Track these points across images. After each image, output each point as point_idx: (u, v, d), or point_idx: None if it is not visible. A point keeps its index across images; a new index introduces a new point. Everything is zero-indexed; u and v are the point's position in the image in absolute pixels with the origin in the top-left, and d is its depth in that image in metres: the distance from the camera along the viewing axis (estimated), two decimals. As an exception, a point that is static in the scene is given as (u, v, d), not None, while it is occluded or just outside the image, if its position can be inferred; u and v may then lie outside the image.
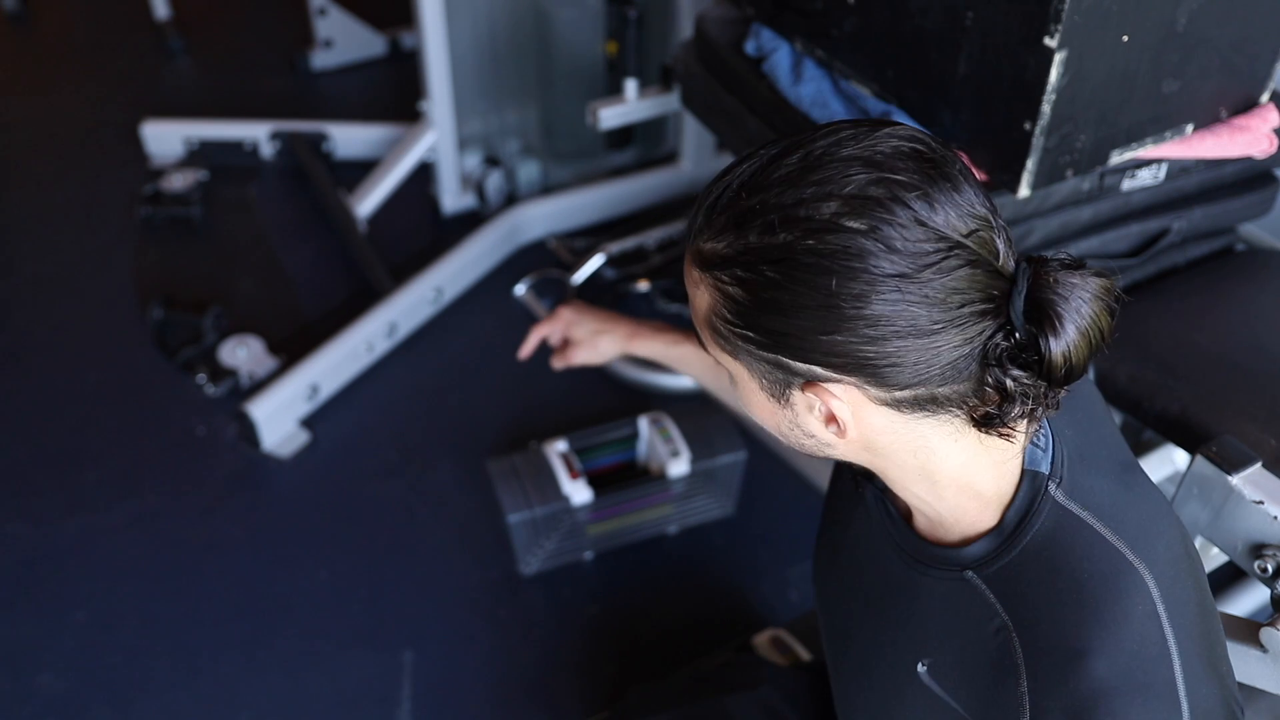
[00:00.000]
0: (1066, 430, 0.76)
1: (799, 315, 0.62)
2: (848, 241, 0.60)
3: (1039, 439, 0.73)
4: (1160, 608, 0.67)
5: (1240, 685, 1.00)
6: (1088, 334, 0.63)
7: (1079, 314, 0.62)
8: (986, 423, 0.66)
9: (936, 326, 0.61)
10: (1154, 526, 0.72)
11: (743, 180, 0.65)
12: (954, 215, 0.61)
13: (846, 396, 0.65)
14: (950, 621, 0.74)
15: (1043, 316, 0.62)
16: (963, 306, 0.61)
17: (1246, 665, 0.98)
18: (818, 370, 0.65)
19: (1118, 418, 1.67)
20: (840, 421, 0.67)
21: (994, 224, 0.63)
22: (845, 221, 0.60)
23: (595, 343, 1.22)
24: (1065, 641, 0.66)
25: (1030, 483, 0.72)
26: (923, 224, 0.60)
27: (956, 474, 0.70)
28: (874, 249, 0.60)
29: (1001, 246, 0.64)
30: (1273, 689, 0.98)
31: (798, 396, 0.68)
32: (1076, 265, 0.63)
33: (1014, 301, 0.62)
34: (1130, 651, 0.65)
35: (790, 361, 0.65)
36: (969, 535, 0.73)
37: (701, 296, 0.68)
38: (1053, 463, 0.72)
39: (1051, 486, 0.71)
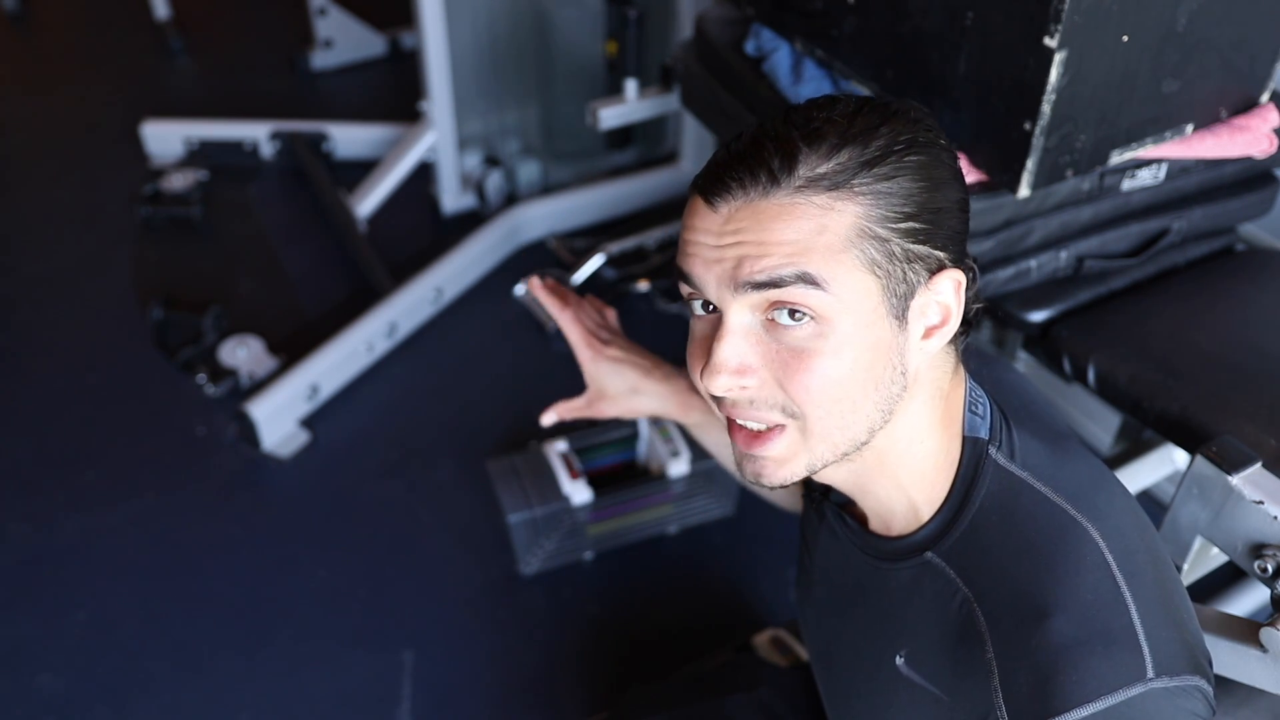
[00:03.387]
0: (1000, 400, 0.79)
1: (945, 189, 0.69)
2: (929, 119, 0.71)
3: (977, 407, 0.77)
4: (1108, 557, 0.69)
5: (1240, 685, 1.01)
6: None
7: None
8: (968, 318, 0.74)
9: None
10: (1090, 484, 0.74)
11: (796, 120, 0.68)
12: None
13: (962, 279, 0.71)
14: (918, 607, 0.76)
15: None
16: None
17: (1246, 665, 0.98)
18: (944, 255, 0.70)
19: (1117, 418, 1.67)
20: (947, 313, 0.71)
21: None
22: (920, 115, 0.70)
23: (632, 403, 1.06)
24: (1023, 602, 0.68)
25: (972, 449, 0.75)
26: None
27: (935, 426, 0.75)
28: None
29: None
30: (1273, 689, 0.98)
31: (918, 302, 0.70)
32: None
33: None
34: (1086, 603, 0.67)
35: (934, 251, 0.69)
36: (925, 518, 0.76)
37: (839, 220, 0.66)
38: (991, 428, 0.76)
39: (992, 450, 0.75)
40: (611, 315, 1.12)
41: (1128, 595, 0.67)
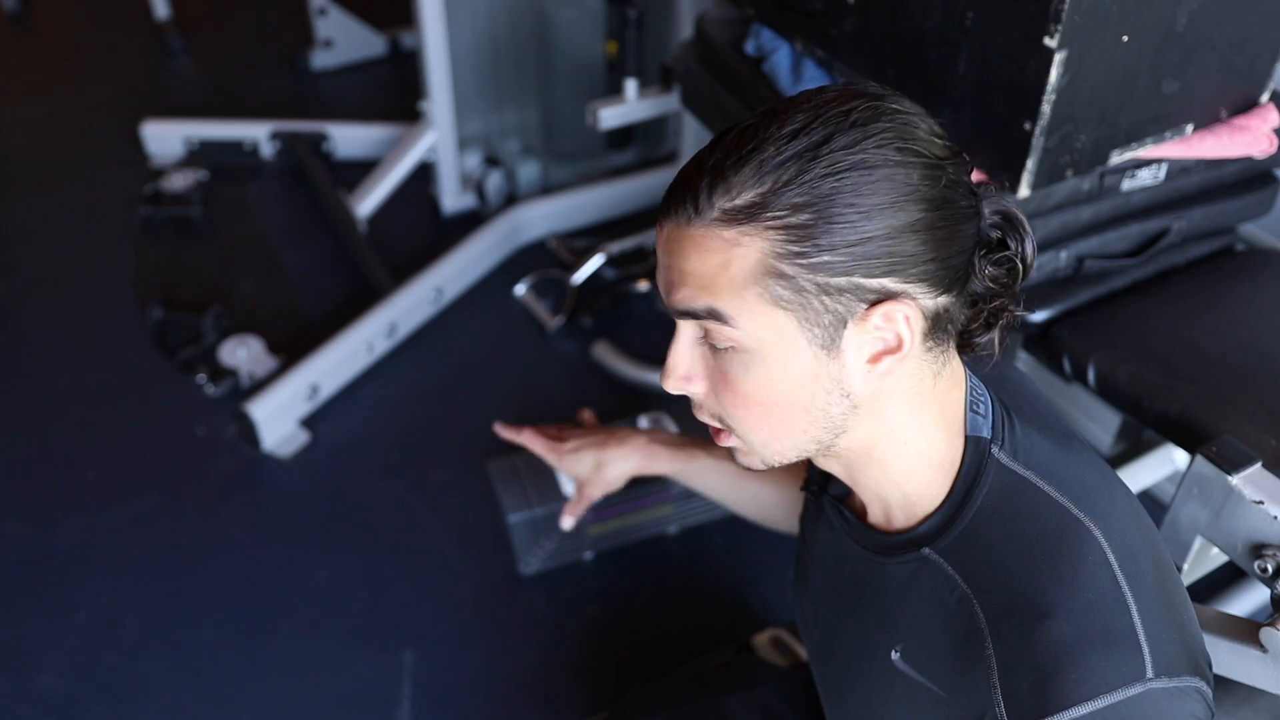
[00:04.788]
0: (1003, 399, 0.79)
1: (878, 216, 0.65)
2: (898, 132, 0.66)
3: (979, 406, 0.76)
4: (1111, 557, 0.69)
5: (1240, 685, 1.01)
6: (1033, 242, 0.74)
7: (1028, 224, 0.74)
8: (973, 336, 0.74)
9: (965, 213, 0.69)
10: (1094, 483, 0.74)
11: (739, 141, 0.67)
12: (939, 133, 0.70)
13: (910, 310, 0.68)
14: (916, 603, 0.76)
15: (1014, 222, 0.73)
16: (963, 200, 0.69)
17: (1247, 665, 0.98)
18: (887, 283, 0.67)
19: (1117, 418, 1.67)
20: (901, 340, 0.69)
21: None
22: (878, 126, 0.66)
23: (603, 476, 1.16)
24: (1024, 600, 0.68)
25: (974, 448, 0.75)
26: (930, 128, 0.69)
27: (933, 420, 0.74)
28: (915, 143, 0.67)
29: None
30: (1273, 689, 0.98)
31: (851, 334, 0.68)
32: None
33: (984, 208, 0.72)
34: (1087, 602, 0.67)
35: (864, 280, 0.66)
36: (923, 514, 0.76)
37: (744, 255, 0.66)
38: (993, 427, 0.76)
39: (994, 449, 0.75)
40: (587, 415, 1.28)
41: (1129, 596, 0.67)
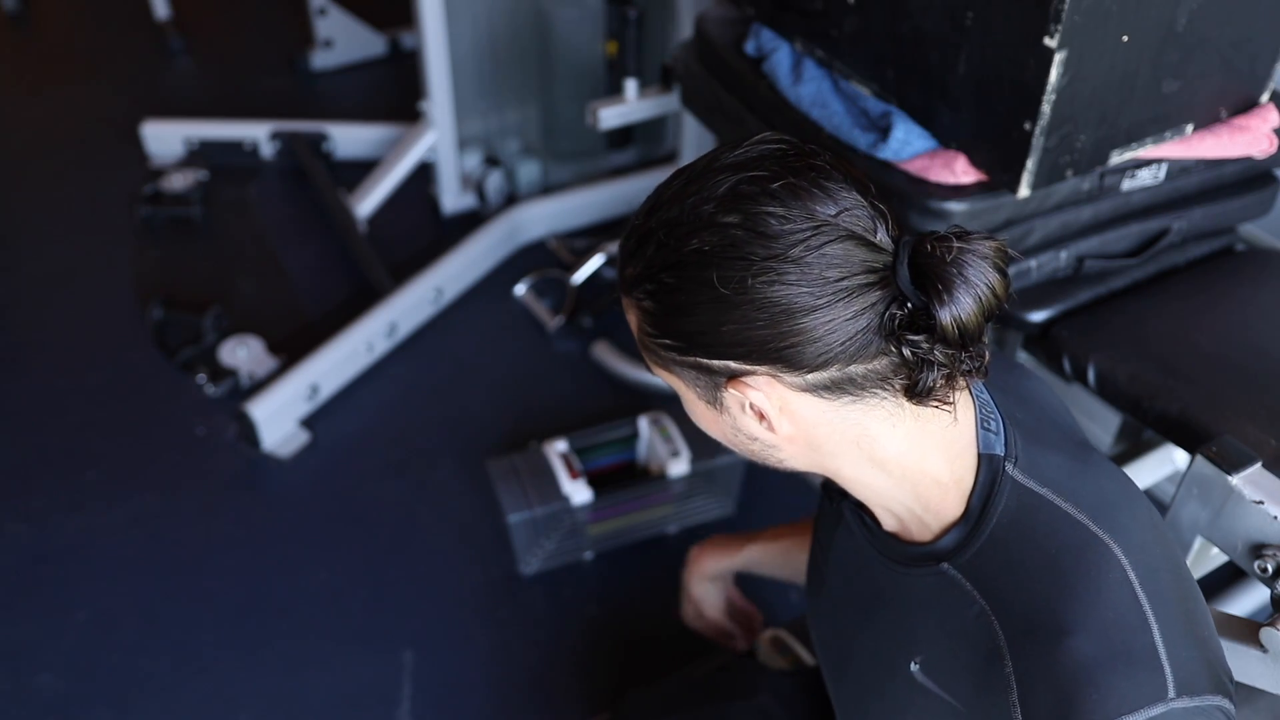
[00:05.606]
0: (1017, 414, 0.78)
1: (697, 312, 0.67)
2: (722, 235, 0.65)
3: (990, 423, 0.75)
4: (1131, 575, 0.68)
5: (1240, 685, 1.00)
6: (978, 297, 0.64)
7: (965, 278, 0.64)
8: (915, 394, 0.68)
9: (820, 301, 0.65)
10: (1113, 498, 0.74)
11: (645, 210, 0.71)
12: (819, 198, 0.66)
13: (765, 388, 0.68)
14: (934, 616, 0.75)
15: (929, 285, 0.64)
16: (841, 280, 0.65)
17: (1246, 665, 0.98)
18: (731, 364, 0.69)
19: (1117, 418, 1.67)
20: (766, 415, 0.70)
21: (865, 204, 0.67)
22: (719, 218, 0.66)
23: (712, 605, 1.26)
24: (1043, 619, 0.67)
25: (988, 465, 0.74)
26: (787, 208, 0.65)
27: (906, 460, 0.72)
28: (746, 237, 0.65)
29: (877, 224, 0.67)
30: (1273, 689, 0.98)
31: (727, 397, 0.71)
32: (963, 234, 0.65)
33: (898, 273, 0.65)
34: (1108, 621, 0.66)
35: (706, 361, 0.69)
36: (940, 529, 0.75)
37: (631, 320, 0.73)
38: (1006, 444, 0.75)
39: (1008, 466, 0.73)
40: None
41: (1150, 614, 0.67)
